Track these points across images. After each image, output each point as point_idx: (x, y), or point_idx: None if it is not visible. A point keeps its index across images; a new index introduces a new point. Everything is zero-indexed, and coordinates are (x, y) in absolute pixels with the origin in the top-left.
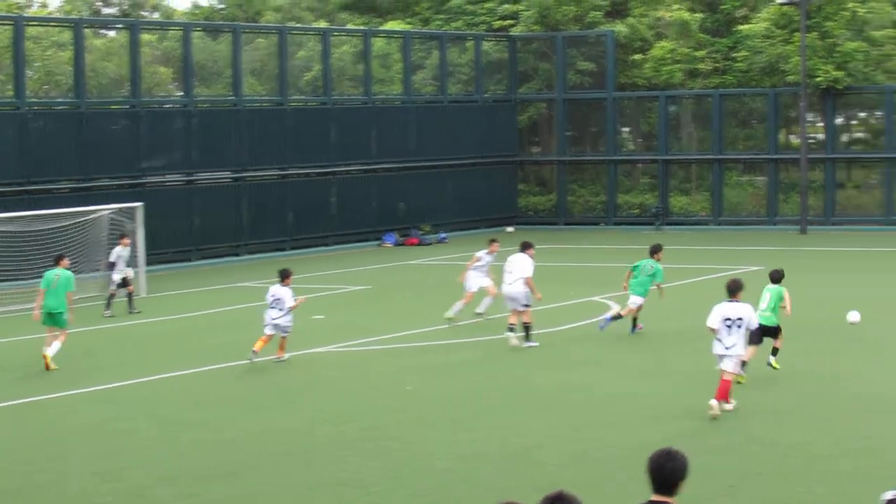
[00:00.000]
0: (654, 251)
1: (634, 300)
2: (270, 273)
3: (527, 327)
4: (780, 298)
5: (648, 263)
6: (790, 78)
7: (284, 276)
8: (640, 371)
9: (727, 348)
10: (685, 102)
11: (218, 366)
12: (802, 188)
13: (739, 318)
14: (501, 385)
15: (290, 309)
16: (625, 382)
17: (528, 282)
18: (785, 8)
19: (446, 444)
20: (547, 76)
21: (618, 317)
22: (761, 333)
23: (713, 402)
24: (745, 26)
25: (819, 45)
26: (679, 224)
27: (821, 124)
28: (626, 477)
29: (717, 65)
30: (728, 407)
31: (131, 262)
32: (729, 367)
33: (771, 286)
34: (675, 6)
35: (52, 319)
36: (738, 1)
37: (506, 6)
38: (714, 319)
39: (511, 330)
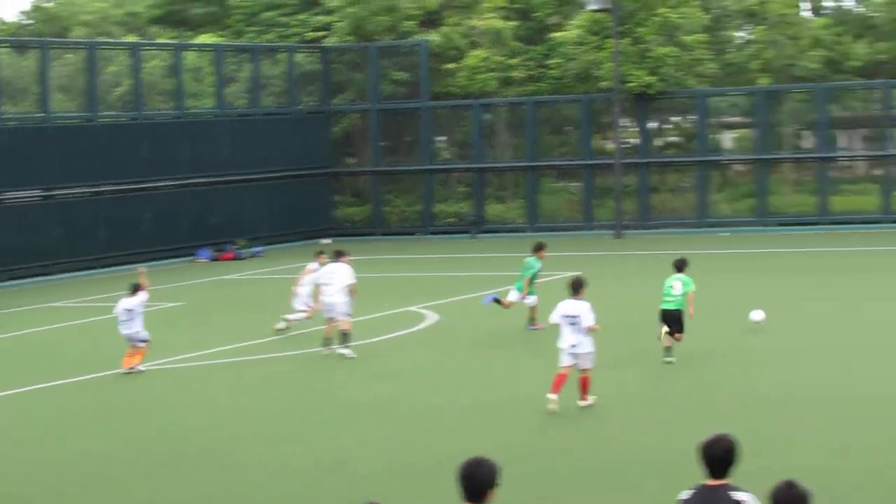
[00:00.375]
0: (537, 249)
1: (514, 295)
2: (83, 292)
3: (345, 335)
4: (689, 287)
5: (529, 260)
6: (603, 84)
7: (135, 290)
8: (456, 380)
9: (572, 346)
10: (499, 110)
11: (30, 388)
12: (617, 193)
13: (577, 315)
14: (315, 398)
15: (143, 300)
16: (440, 392)
17: (352, 288)
18: (597, 14)
19: (259, 459)
20: (361, 87)
21: (498, 301)
22: (670, 319)
23: (555, 398)
24: (558, 33)
25: (631, 50)
26: (495, 232)
27: (635, 129)
28: (440, 486)
29: (530, 72)
30: (589, 402)
31: None
32: (586, 364)
33: (678, 275)
34: (489, 15)
35: None
36: (550, 8)
37: (318, 17)
38: (555, 315)
39: (327, 342)
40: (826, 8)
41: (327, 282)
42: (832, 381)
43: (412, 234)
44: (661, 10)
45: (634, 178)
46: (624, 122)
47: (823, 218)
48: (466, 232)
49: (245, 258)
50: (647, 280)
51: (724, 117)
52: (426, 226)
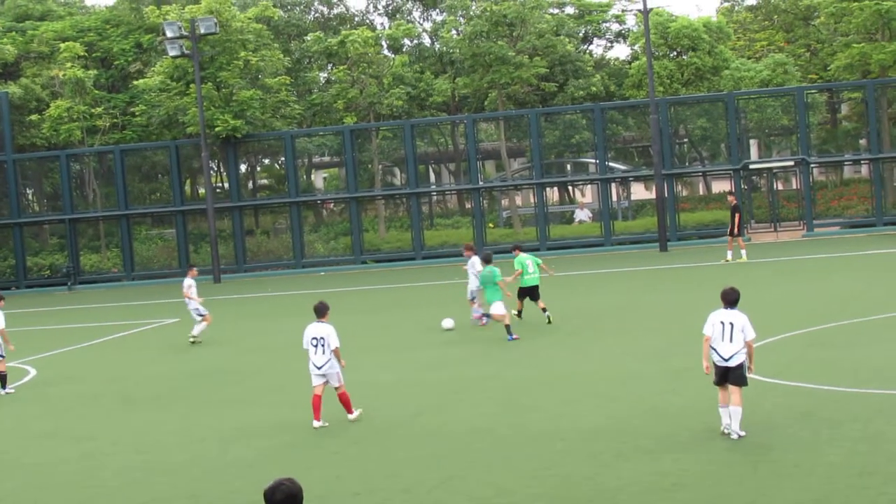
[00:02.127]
0: (487, 258)
1: (498, 307)
2: None
3: (3, 377)
4: (539, 262)
5: (492, 270)
6: (190, 129)
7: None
8: (58, 435)
9: (319, 367)
10: (87, 160)
11: None
12: (212, 238)
13: (322, 337)
14: None
15: None
16: (44, 448)
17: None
18: (179, 60)
19: None
20: None
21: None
22: (528, 292)
23: (319, 424)
24: (141, 81)
25: (216, 95)
26: (93, 282)
27: (225, 173)
28: None
29: (115, 120)
30: (356, 415)
31: None
32: (336, 381)
33: (526, 255)
34: (69, 65)
35: None
36: (131, 56)
37: None
38: (305, 340)
39: None
40: (405, 45)
41: None
42: (406, 414)
43: (7, 288)
44: (242, 54)
45: (229, 221)
46: (214, 166)
47: (419, 253)
48: (63, 284)
49: None
50: (247, 324)
51: (314, 157)
52: (20, 280)
